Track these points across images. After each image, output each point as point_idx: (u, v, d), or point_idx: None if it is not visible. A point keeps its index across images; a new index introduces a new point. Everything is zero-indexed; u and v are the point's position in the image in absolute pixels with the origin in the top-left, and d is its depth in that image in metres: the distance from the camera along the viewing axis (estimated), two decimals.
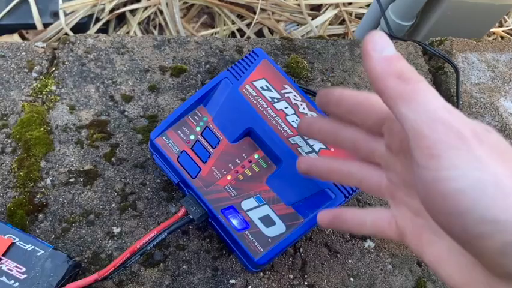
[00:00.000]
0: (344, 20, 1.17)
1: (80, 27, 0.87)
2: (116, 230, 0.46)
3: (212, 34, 1.02)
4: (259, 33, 1.05)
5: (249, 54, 0.50)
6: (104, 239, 0.45)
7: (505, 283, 0.22)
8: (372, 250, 0.50)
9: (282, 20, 1.06)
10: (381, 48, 0.26)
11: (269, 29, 1.05)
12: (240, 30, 1.03)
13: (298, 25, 1.07)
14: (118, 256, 0.42)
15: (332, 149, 0.46)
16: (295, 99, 0.48)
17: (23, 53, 0.53)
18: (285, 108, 0.47)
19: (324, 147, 0.46)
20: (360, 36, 1.01)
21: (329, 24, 1.13)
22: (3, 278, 0.39)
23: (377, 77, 0.26)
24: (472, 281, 0.24)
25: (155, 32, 0.98)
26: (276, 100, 0.47)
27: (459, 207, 0.21)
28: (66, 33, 0.85)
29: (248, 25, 1.02)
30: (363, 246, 0.50)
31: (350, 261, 0.48)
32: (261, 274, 0.46)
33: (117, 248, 0.45)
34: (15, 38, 0.84)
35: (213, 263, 0.46)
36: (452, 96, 0.62)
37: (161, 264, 0.45)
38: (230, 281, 0.45)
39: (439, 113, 0.23)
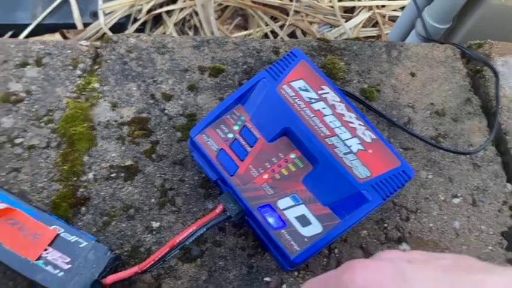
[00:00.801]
0: (377, 22, 1.16)
1: (118, 27, 0.89)
2: (155, 224, 0.47)
3: (245, 36, 1.03)
4: (292, 35, 1.05)
5: (287, 55, 0.50)
6: (143, 233, 0.46)
7: None
8: None
9: (315, 22, 1.06)
10: None
11: (302, 31, 1.06)
12: (273, 32, 1.04)
13: (331, 27, 1.07)
14: (156, 250, 0.43)
15: (370, 151, 0.46)
16: (333, 100, 0.48)
17: (68, 51, 0.55)
18: (323, 108, 0.47)
19: (362, 148, 0.46)
20: (394, 38, 1.00)
21: (362, 27, 1.12)
22: (49, 268, 0.41)
23: None
24: None
25: (191, 33, 0.99)
26: (313, 100, 0.47)
27: None
28: (104, 33, 0.88)
29: (281, 27, 1.03)
30: (399, 249, 0.49)
31: None
32: (296, 273, 0.46)
33: (156, 242, 0.46)
34: (57, 37, 0.87)
35: (248, 260, 0.46)
36: (491, 100, 0.61)
37: (198, 259, 0.46)
38: (265, 279, 0.46)
39: None
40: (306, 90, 0.48)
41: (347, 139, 0.46)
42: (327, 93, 0.48)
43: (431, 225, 0.51)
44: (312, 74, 0.49)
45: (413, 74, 0.61)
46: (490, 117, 0.59)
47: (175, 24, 0.98)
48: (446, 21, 0.85)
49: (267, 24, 1.03)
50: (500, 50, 0.67)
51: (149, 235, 0.46)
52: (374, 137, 0.47)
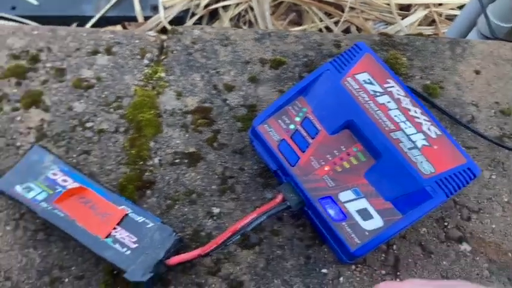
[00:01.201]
0: (433, 21, 1.13)
1: (177, 21, 0.92)
2: (216, 210, 0.48)
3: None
4: (347, 32, 1.04)
5: (352, 47, 0.50)
6: (204, 218, 0.47)
7: None
8: (468, 253, 0.48)
9: (370, 19, 1.05)
10: None
11: (357, 28, 1.05)
12: (327, 28, 1.03)
13: (386, 24, 1.05)
14: (217, 235, 0.44)
15: (435, 147, 0.45)
16: (398, 94, 0.47)
17: (136, 41, 0.57)
18: (388, 102, 0.47)
19: (427, 144, 0.45)
20: (452, 36, 0.98)
21: (418, 25, 1.10)
22: (117, 246, 0.43)
23: None
24: None
25: (245, 28, 1.00)
26: (378, 94, 0.47)
27: None
28: (164, 26, 0.90)
29: (336, 23, 1.02)
30: (459, 249, 0.48)
31: (444, 262, 0.47)
32: (353, 267, 0.46)
33: (216, 227, 0.47)
34: (118, 29, 0.90)
35: (306, 251, 0.47)
36: None
37: (257, 247, 0.46)
38: (322, 270, 0.46)
39: None
40: (370, 83, 0.48)
41: (412, 134, 0.45)
42: (392, 87, 0.48)
43: (493, 226, 0.50)
44: (377, 67, 0.48)
45: (477, 72, 0.59)
46: None
47: (231, 19, 0.99)
48: (509, 20, 0.82)
49: (321, 20, 1.03)
50: None
51: (210, 220, 0.47)
52: (440, 133, 0.46)
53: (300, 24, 1.04)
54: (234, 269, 0.45)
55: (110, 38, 0.57)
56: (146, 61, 0.56)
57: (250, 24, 1.01)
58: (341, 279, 0.46)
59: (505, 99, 0.57)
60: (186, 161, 0.50)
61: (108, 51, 0.56)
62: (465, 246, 0.48)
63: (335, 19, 1.03)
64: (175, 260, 0.43)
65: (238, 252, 0.46)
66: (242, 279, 0.45)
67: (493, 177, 0.52)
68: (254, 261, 0.46)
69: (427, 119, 0.46)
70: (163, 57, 0.56)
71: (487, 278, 0.47)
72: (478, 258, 0.48)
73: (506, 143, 0.54)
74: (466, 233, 0.49)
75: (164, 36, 0.59)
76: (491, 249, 0.49)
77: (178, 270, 0.45)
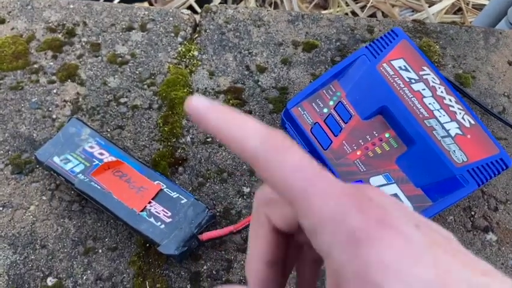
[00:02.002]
0: (460, 9, 1.12)
1: (203, 1, 0.91)
2: (246, 190, 0.49)
3: None
4: (372, 17, 1.04)
5: (388, 33, 0.50)
6: (235, 197, 0.48)
7: None
8: (493, 243, 0.48)
9: (397, 5, 1.04)
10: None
11: (383, 13, 1.04)
12: (353, 12, 1.02)
13: (413, 11, 1.04)
14: (247, 214, 0.45)
15: (469, 136, 0.45)
16: (433, 82, 0.47)
17: (171, 19, 0.57)
18: (423, 89, 0.47)
19: (460, 132, 0.45)
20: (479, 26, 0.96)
21: (445, 13, 1.08)
22: (152, 219, 0.44)
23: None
24: None
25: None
26: (413, 81, 0.47)
27: None
28: (190, 5, 0.90)
29: (362, 8, 1.01)
30: (485, 238, 0.49)
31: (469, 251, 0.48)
32: None
33: (246, 206, 0.48)
34: (145, 5, 0.90)
35: None
36: None
37: None
38: None
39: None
40: (406, 70, 0.48)
41: (446, 122, 0.45)
42: (428, 74, 0.47)
43: None
44: (413, 54, 0.48)
45: (510, 63, 0.59)
46: None
47: (256, 0, 0.99)
48: None
49: (347, 5, 1.02)
50: None
51: (240, 199, 0.48)
52: (473, 122, 0.46)
53: (325, 8, 1.03)
54: None
55: (144, 14, 0.57)
56: (179, 39, 0.56)
57: (276, 5, 1.00)
58: None
59: None
60: (218, 140, 0.51)
61: (143, 28, 0.56)
62: (491, 236, 0.49)
63: (361, 4, 1.02)
64: (208, 235, 0.44)
65: None
66: None
67: None
68: None
69: (461, 108, 0.46)
70: (196, 35, 0.57)
71: (511, 268, 0.47)
72: (503, 248, 0.48)
73: None
74: (492, 223, 0.49)
75: (197, 15, 0.59)
76: None
77: (208, 246, 0.46)
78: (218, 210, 0.48)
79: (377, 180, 0.45)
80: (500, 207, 0.50)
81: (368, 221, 0.17)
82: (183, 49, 0.56)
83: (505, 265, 0.47)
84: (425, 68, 0.48)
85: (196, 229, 0.44)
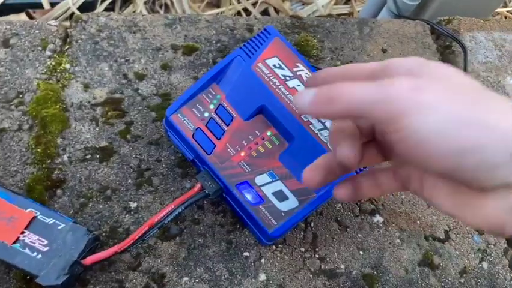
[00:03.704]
0: None
1: (87, 6, 0.87)
2: (133, 205, 0.47)
3: (218, 14, 1.02)
4: (265, 13, 1.05)
5: (261, 32, 0.50)
6: (121, 214, 0.46)
7: (482, 195, 0.27)
8: (381, 225, 0.51)
9: (288, 0, 1.06)
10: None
11: (275, 9, 1.05)
12: (245, 9, 1.03)
13: (303, 4, 1.07)
14: (135, 230, 0.43)
15: None
16: (307, 77, 0.48)
17: (36, 31, 0.54)
18: (298, 86, 0.48)
19: None
20: (365, 15, 1.01)
21: (334, 4, 1.12)
22: (27, 251, 0.41)
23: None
24: (457, 202, 0.29)
25: (161, 12, 0.97)
26: (288, 78, 0.48)
27: (432, 150, 0.26)
28: (73, 12, 0.85)
29: (254, 4, 1.02)
30: (372, 221, 0.51)
31: (359, 235, 0.50)
32: (274, 247, 0.47)
33: (134, 222, 0.46)
34: (23, 17, 0.84)
35: (227, 237, 0.47)
36: None
37: (177, 237, 0.46)
38: (244, 254, 0.47)
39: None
40: (280, 67, 0.48)
41: None
42: (302, 70, 0.48)
43: (403, 197, 0.53)
44: (286, 51, 0.49)
45: (384, 50, 0.62)
46: None
47: (145, 3, 0.96)
48: None
49: (239, 2, 1.02)
50: (468, 25, 0.68)
51: (127, 215, 0.46)
52: None
53: (218, 7, 1.03)
54: (155, 262, 0.45)
55: (6, 29, 0.53)
56: (48, 52, 0.53)
57: (167, 7, 0.98)
58: (262, 260, 0.47)
59: None
60: (98, 156, 0.48)
61: (5, 44, 0.52)
62: (378, 218, 0.51)
63: (252, 0, 1.03)
64: (91, 259, 0.42)
65: (158, 245, 0.46)
66: (164, 271, 0.45)
67: None
68: (175, 252, 0.46)
69: None
70: (67, 47, 0.53)
71: (398, 246, 0.50)
72: (390, 228, 0.51)
73: None
74: (378, 206, 0.52)
75: (67, 25, 0.56)
76: (402, 219, 0.52)
77: (96, 268, 0.44)
78: (104, 230, 0.45)
79: (262, 178, 0.45)
80: None
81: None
82: (53, 63, 0.52)
83: (392, 244, 0.50)
84: (298, 64, 0.49)
85: (77, 254, 0.41)
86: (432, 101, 0.25)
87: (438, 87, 0.26)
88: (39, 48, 0.53)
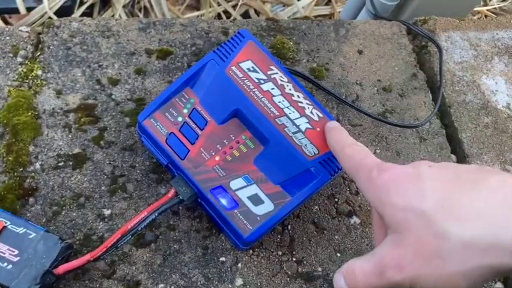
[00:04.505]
0: (330, 0, 1.17)
1: (64, 11, 0.86)
2: (107, 212, 0.46)
3: (198, 16, 1.01)
4: (246, 15, 1.05)
5: (235, 35, 0.50)
6: (95, 221, 0.46)
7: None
8: (358, 226, 0.51)
9: (268, 1, 1.06)
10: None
11: (255, 11, 1.05)
12: (226, 12, 1.02)
13: (284, 6, 1.07)
14: (109, 237, 0.42)
15: (318, 129, 0.47)
16: (281, 80, 0.48)
17: (7, 38, 0.53)
18: (272, 89, 0.48)
19: (310, 127, 0.47)
20: (346, 16, 1.01)
21: (315, 5, 1.13)
22: None
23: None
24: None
25: (141, 15, 0.97)
26: (262, 81, 0.48)
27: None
28: (50, 17, 0.84)
29: (234, 7, 1.02)
30: (349, 223, 0.51)
31: (336, 237, 0.50)
32: (251, 251, 0.47)
33: (108, 229, 0.46)
34: None
35: (203, 242, 0.47)
36: (435, 75, 0.63)
37: (153, 244, 0.46)
38: (220, 259, 0.46)
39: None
40: (254, 71, 0.48)
41: (296, 118, 0.47)
42: (276, 73, 0.48)
43: None
44: (260, 54, 0.49)
45: (360, 52, 0.62)
46: (434, 92, 0.62)
47: (124, 7, 0.95)
48: None
49: (219, 4, 1.02)
50: (444, 25, 0.69)
51: (101, 223, 0.46)
52: (321, 115, 0.48)
53: (198, 9, 1.03)
54: (130, 269, 0.44)
55: None
56: (20, 59, 0.52)
57: (146, 10, 0.98)
58: (239, 265, 0.46)
59: (386, 77, 0.61)
60: (71, 163, 0.48)
61: None
62: (355, 220, 0.51)
63: (233, 2, 1.03)
64: (64, 268, 0.41)
65: (133, 252, 0.45)
66: (139, 279, 0.44)
67: (378, 151, 0.56)
68: (150, 258, 0.45)
69: (309, 102, 0.48)
70: (38, 53, 0.53)
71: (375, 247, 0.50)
72: (367, 229, 0.51)
73: (389, 119, 0.58)
74: (355, 207, 0.52)
75: (39, 30, 0.55)
76: None
77: (70, 277, 0.43)
78: (77, 238, 0.45)
79: (237, 183, 0.45)
80: None
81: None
82: (24, 69, 0.51)
83: (370, 245, 0.50)
84: (272, 67, 0.49)
85: (48, 264, 0.40)
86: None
87: None
88: (11, 54, 0.52)
